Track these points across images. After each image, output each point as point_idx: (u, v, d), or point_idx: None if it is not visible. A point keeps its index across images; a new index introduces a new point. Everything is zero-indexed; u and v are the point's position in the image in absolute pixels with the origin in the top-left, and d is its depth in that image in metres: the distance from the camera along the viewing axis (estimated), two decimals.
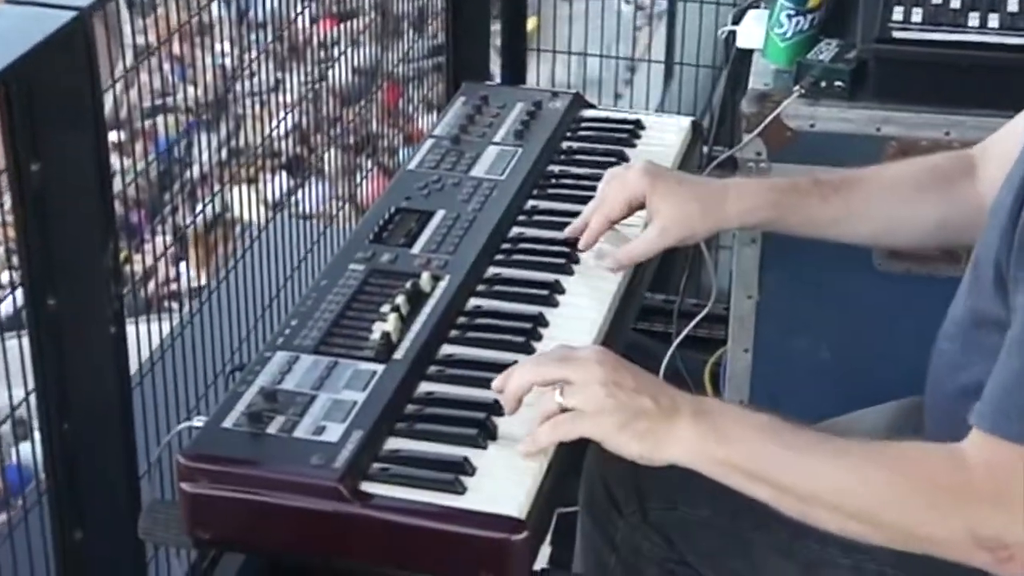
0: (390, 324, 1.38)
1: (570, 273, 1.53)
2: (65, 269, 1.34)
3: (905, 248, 1.73)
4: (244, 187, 1.91)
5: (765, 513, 1.39)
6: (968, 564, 1.19)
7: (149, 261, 1.69)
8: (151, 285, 1.91)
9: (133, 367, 1.55)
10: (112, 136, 1.91)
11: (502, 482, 1.23)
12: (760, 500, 1.23)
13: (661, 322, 2.69)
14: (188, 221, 1.78)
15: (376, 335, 1.37)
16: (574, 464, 1.37)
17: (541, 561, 1.25)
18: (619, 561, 1.50)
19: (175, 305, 1.77)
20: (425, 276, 1.46)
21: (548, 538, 2.11)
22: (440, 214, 1.59)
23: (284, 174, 2.09)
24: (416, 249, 1.53)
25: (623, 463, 1.48)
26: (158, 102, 1.83)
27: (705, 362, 2.53)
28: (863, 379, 1.95)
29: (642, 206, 1.52)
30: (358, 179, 2.26)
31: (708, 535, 1.45)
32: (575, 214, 1.60)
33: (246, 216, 1.90)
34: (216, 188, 1.81)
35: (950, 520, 1.17)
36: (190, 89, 1.71)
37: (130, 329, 1.50)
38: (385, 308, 1.40)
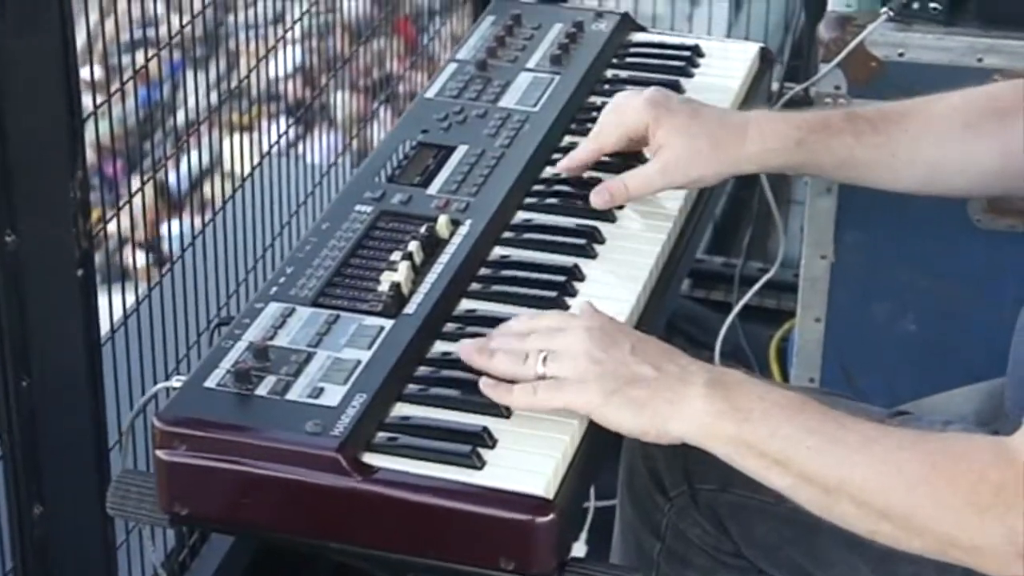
0: (401, 274, 1.39)
1: (612, 220, 1.53)
2: (26, 200, 1.35)
3: (956, 195, 1.70)
4: (239, 135, 1.92)
5: None
6: None
7: (127, 221, 1.70)
8: (134, 247, 1.92)
9: (106, 327, 1.57)
10: (85, 73, 1.93)
11: (526, 456, 1.24)
12: (778, 490, 1.23)
13: (721, 289, 2.71)
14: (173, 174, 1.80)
15: (384, 286, 1.38)
16: (611, 443, 1.38)
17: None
18: (664, 549, 1.51)
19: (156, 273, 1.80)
20: (443, 220, 1.47)
21: (583, 536, 2.15)
22: (462, 150, 1.59)
23: (285, 121, 2.10)
24: (433, 189, 1.54)
25: None
26: (138, 35, 1.84)
27: (771, 336, 2.54)
28: (953, 355, 1.97)
29: (645, 141, 1.52)
30: (372, 128, 2.27)
31: (766, 522, 1.46)
32: (618, 152, 1.61)
33: (239, 170, 1.91)
34: (206, 136, 1.83)
35: (989, 524, 1.16)
36: (175, 20, 1.72)
37: (103, 300, 1.53)
38: (396, 256, 1.42)
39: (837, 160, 1.52)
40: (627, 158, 1.56)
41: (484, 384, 1.27)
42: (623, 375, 1.24)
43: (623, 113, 1.53)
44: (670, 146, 1.50)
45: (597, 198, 1.51)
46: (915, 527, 1.19)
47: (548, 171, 1.60)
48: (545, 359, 1.26)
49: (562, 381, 1.25)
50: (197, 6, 1.77)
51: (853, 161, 1.52)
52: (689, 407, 1.23)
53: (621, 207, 1.55)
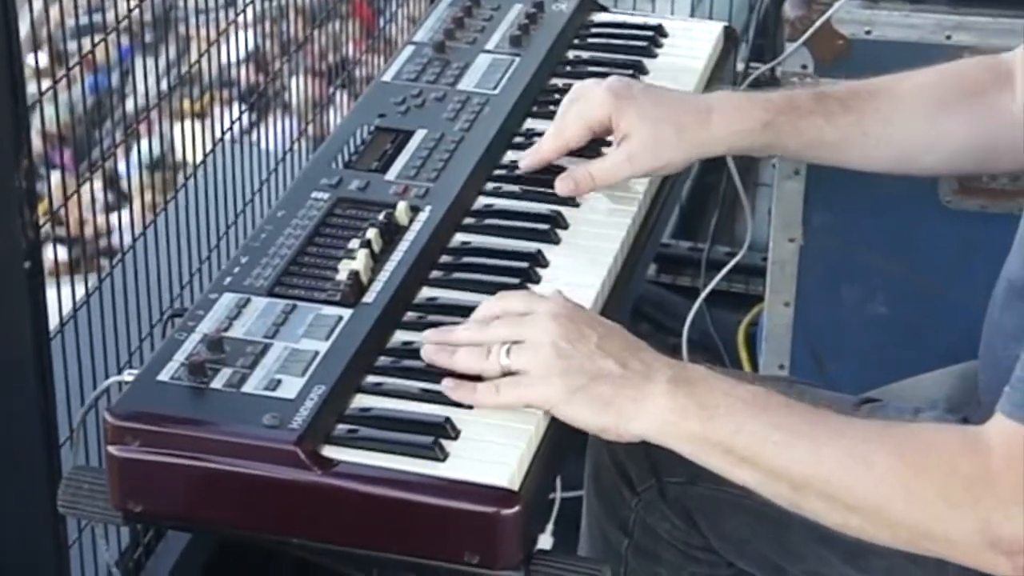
0: (359, 262, 1.38)
1: (575, 205, 1.53)
2: None
3: (927, 174, 1.72)
4: (191, 122, 1.91)
5: None
6: (977, 568, 1.18)
7: (81, 211, 1.69)
8: (83, 239, 1.91)
9: (55, 320, 1.56)
10: (30, 61, 1.91)
11: (490, 447, 1.24)
12: (745, 486, 1.23)
13: (688, 274, 2.72)
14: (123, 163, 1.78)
15: (342, 275, 1.37)
16: (578, 432, 1.38)
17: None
18: (632, 545, 1.52)
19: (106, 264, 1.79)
20: (401, 206, 1.47)
21: (550, 528, 2.16)
22: (420, 134, 1.59)
23: (239, 107, 2.09)
24: (391, 175, 1.53)
25: None
26: (84, 21, 1.83)
27: (739, 321, 2.55)
28: (925, 338, 1.98)
29: (608, 131, 1.52)
30: (328, 113, 2.26)
31: (736, 516, 1.47)
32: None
33: (192, 157, 1.90)
34: (157, 124, 1.82)
35: (960, 515, 1.16)
36: (122, 4, 1.70)
37: (52, 293, 1.51)
38: (354, 244, 1.41)
39: (806, 141, 1.52)
40: (593, 142, 1.56)
41: (446, 386, 1.26)
42: (588, 371, 1.23)
43: (584, 105, 1.53)
44: (634, 135, 1.50)
45: (562, 186, 1.51)
46: (885, 520, 1.20)
47: (509, 156, 1.60)
48: (508, 351, 1.26)
49: (525, 377, 1.25)
50: None
51: (822, 141, 1.52)
52: (652, 405, 1.23)
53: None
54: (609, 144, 1.54)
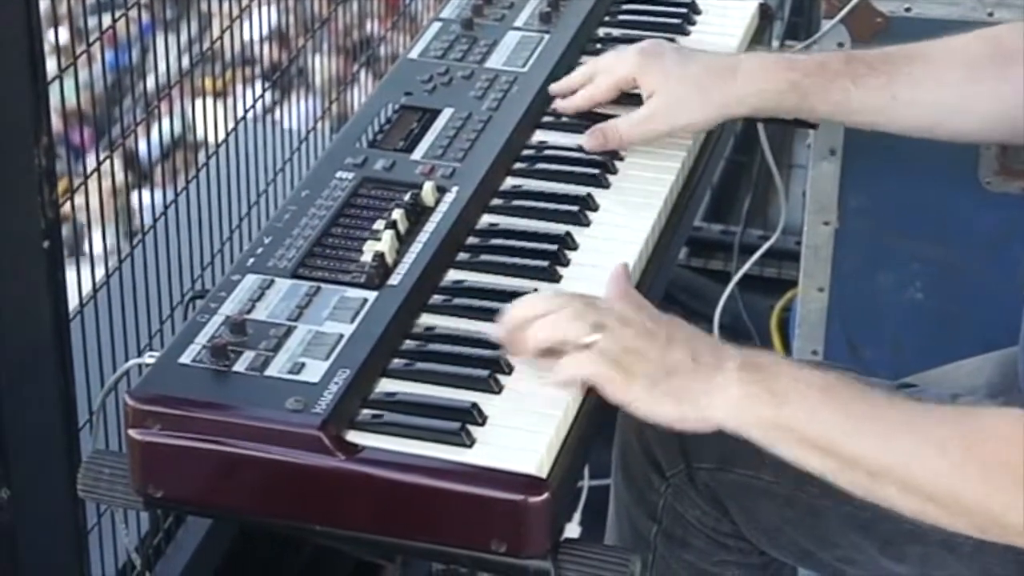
0: (385, 244, 1.38)
1: (605, 186, 1.53)
2: None
3: (963, 141, 1.71)
4: (211, 101, 1.91)
5: None
6: None
7: (101, 190, 1.69)
8: (103, 219, 1.91)
9: (75, 302, 1.57)
10: (50, 37, 1.91)
11: (518, 433, 1.24)
12: (818, 474, 1.24)
13: (719, 258, 2.71)
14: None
15: (367, 256, 1.38)
16: (605, 419, 1.38)
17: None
18: (660, 532, 1.52)
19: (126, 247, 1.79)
20: (428, 187, 1.47)
21: (577, 516, 2.16)
22: (447, 113, 1.59)
23: (261, 85, 2.09)
24: (417, 154, 1.53)
25: None
26: None
27: (772, 306, 2.55)
28: (962, 325, 1.97)
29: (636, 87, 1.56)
30: (352, 92, 2.26)
31: (767, 503, 1.46)
32: (612, 115, 1.60)
33: (212, 137, 1.91)
34: (178, 102, 1.82)
35: None
36: None
37: (71, 274, 1.52)
38: (379, 224, 1.41)
39: (833, 103, 1.53)
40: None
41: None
42: (664, 368, 1.25)
43: (614, 64, 1.58)
44: (658, 92, 1.54)
45: (591, 140, 1.55)
46: (962, 508, 1.20)
47: (538, 135, 1.60)
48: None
49: (609, 371, 1.25)
50: None
51: (850, 104, 1.53)
52: (725, 394, 1.23)
53: (615, 171, 1.55)
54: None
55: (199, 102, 1.89)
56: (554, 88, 1.62)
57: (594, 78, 1.60)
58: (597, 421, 1.31)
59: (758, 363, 1.25)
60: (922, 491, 1.20)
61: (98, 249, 1.71)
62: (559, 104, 1.61)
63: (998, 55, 1.51)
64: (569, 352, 1.26)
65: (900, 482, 1.21)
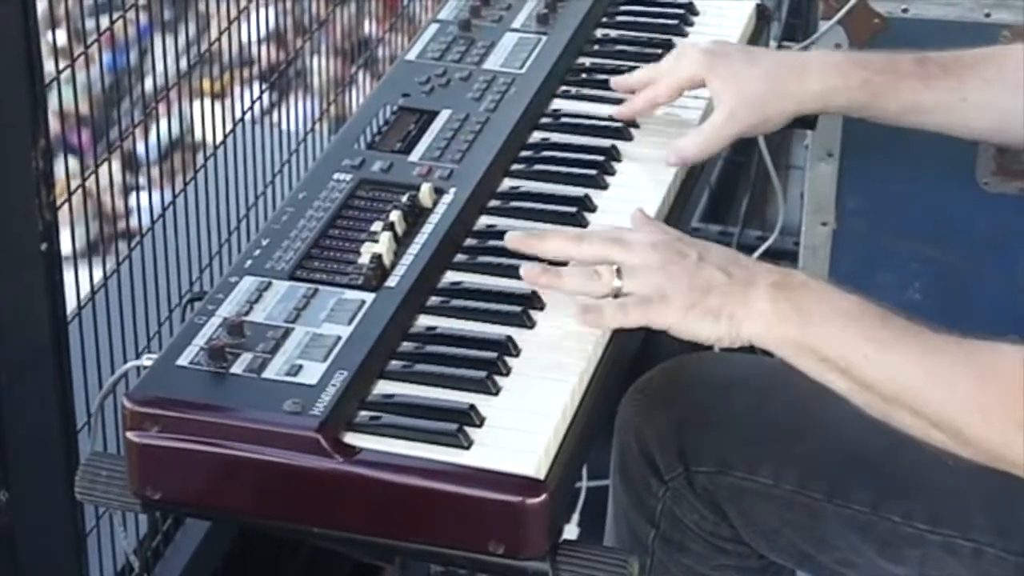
0: (382, 245, 1.38)
1: (603, 187, 1.53)
2: None
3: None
4: (209, 102, 1.91)
5: (840, 480, 1.41)
6: None
7: (98, 191, 1.69)
8: (101, 222, 1.91)
9: (72, 304, 1.56)
10: (49, 38, 1.91)
11: (516, 435, 1.23)
12: (837, 391, 1.27)
13: None
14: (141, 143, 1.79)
15: (365, 258, 1.37)
16: (603, 422, 1.38)
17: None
18: (658, 536, 1.51)
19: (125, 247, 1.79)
20: (425, 188, 1.46)
21: (576, 517, 2.16)
22: (445, 114, 1.59)
23: (259, 86, 2.09)
24: (415, 156, 1.53)
25: (661, 419, 1.50)
26: None
27: None
28: (961, 326, 1.96)
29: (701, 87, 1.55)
30: (350, 93, 2.26)
31: (766, 505, 1.46)
32: (609, 116, 1.60)
33: (211, 138, 1.91)
34: (176, 104, 1.82)
35: None
36: None
37: (69, 276, 1.52)
38: (376, 226, 1.41)
39: (903, 103, 1.53)
40: None
41: (576, 312, 1.30)
42: (698, 286, 1.28)
43: (680, 64, 1.57)
44: (730, 92, 1.53)
45: (674, 158, 1.55)
46: (964, 439, 1.24)
47: (536, 136, 1.60)
48: (619, 272, 1.29)
49: (644, 299, 1.28)
50: None
51: (921, 105, 1.53)
52: (755, 309, 1.27)
53: (613, 173, 1.55)
54: None
55: (198, 104, 1.89)
56: (616, 82, 1.61)
57: (656, 80, 1.58)
58: (595, 422, 1.31)
59: (789, 282, 1.28)
60: (929, 419, 1.24)
61: (96, 251, 1.71)
62: (616, 111, 1.60)
63: None
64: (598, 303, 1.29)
65: (910, 409, 1.24)
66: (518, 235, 1.36)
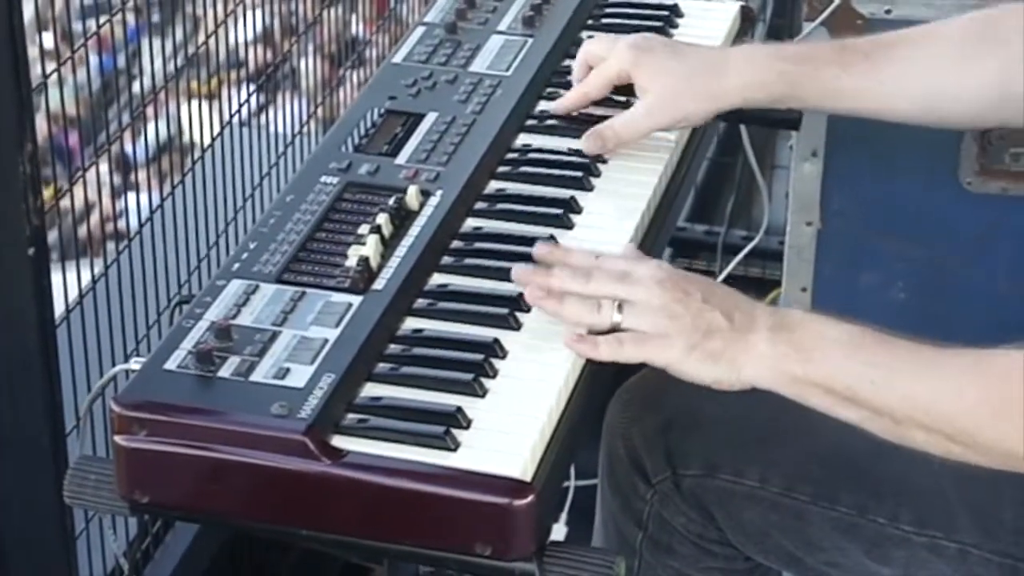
0: (369, 248, 1.37)
1: (588, 189, 1.52)
2: None
3: (955, 126, 1.71)
4: (201, 103, 1.90)
5: (827, 483, 1.40)
6: None
7: (85, 194, 1.69)
8: (88, 223, 1.90)
9: (61, 307, 1.56)
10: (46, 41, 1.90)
11: (502, 437, 1.23)
12: (851, 423, 1.27)
13: (703, 258, 2.71)
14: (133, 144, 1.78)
15: (352, 261, 1.37)
16: (590, 423, 1.37)
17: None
18: (647, 538, 1.51)
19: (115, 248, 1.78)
20: (412, 191, 1.46)
21: (564, 517, 2.15)
22: (431, 117, 1.58)
23: (249, 88, 2.08)
24: (402, 159, 1.52)
25: (648, 423, 1.49)
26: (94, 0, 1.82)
27: None
28: (945, 324, 1.96)
29: (629, 85, 1.55)
30: (339, 94, 2.26)
31: (753, 508, 1.46)
32: (596, 119, 1.60)
33: (201, 139, 1.90)
34: (165, 106, 1.81)
35: None
36: None
37: (57, 279, 1.51)
38: (363, 229, 1.40)
39: (823, 90, 1.52)
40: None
41: (569, 340, 1.29)
42: (700, 328, 1.28)
43: (609, 59, 1.57)
44: (652, 87, 1.53)
45: (589, 144, 1.54)
46: (981, 447, 1.24)
47: (522, 139, 1.59)
48: (620, 307, 1.29)
49: (643, 336, 1.29)
50: None
51: (840, 90, 1.52)
52: (756, 352, 1.27)
53: (598, 174, 1.54)
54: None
55: (188, 105, 1.88)
56: (552, 106, 1.61)
57: (586, 77, 1.58)
58: (582, 424, 1.30)
59: (787, 322, 1.29)
60: (944, 433, 1.25)
61: (84, 254, 1.70)
62: (551, 106, 1.60)
63: (995, 35, 1.48)
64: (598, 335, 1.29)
65: (923, 427, 1.25)
66: (536, 294, 1.33)
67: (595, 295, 1.30)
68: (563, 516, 2.14)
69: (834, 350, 1.26)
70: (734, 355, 1.27)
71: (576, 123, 1.60)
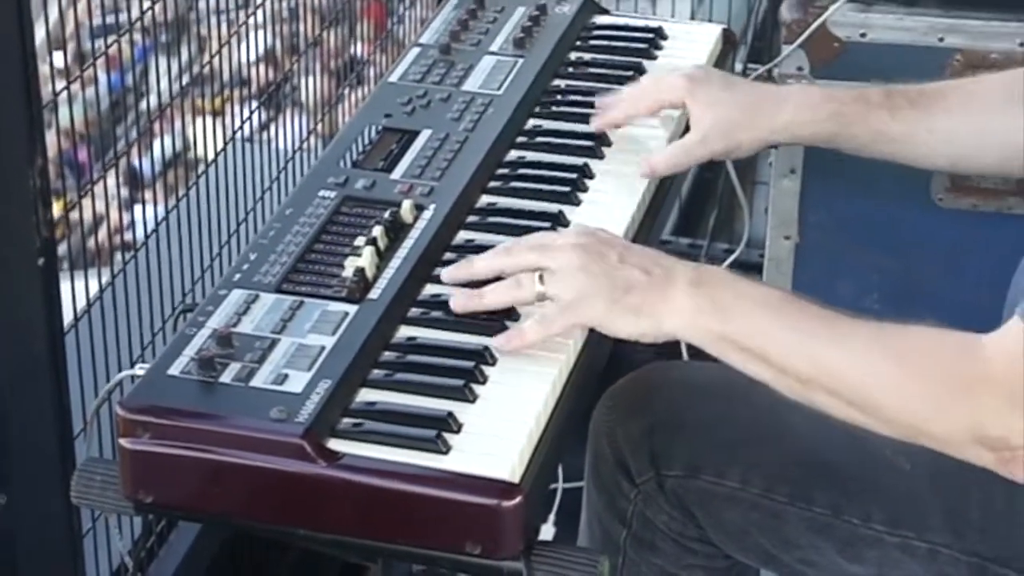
0: (365, 259, 1.38)
1: (576, 204, 1.53)
2: None
3: (989, 174, 1.73)
4: (206, 121, 1.91)
5: (804, 484, 1.41)
6: (964, 460, 1.22)
7: (95, 206, 1.69)
8: (96, 234, 1.90)
9: (69, 315, 1.56)
10: (56, 59, 1.90)
11: (492, 441, 1.23)
12: (760, 380, 1.27)
13: None
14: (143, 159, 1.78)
15: (349, 272, 1.37)
16: (577, 427, 1.38)
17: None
18: (630, 536, 1.51)
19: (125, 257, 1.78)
20: (406, 205, 1.46)
21: (552, 517, 2.15)
22: (425, 134, 1.58)
23: (252, 105, 2.08)
24: (397, 174, 1.52)
25: (633, 425, 1.50)
26: (109, 20, 1.83)
27: None
28: None
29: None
30: (340, 111, 2.26)
31: (733, 508, 1.46)
32: (582, 136, 1.60)
33: (209, 154, 1.90)
34: (172, 122, 1.81)
35: (953, 413, 1.20)
36: (145, 3, 1.70)
37: (66, 287, 1.51)
38: (359, 241, 1.41)
39: (871, 133, 1.53)
40: None
41: (497, 345, 1.29)
42: (618, 285, 1.28)
43: (661, 87, 1.58)
44: (707, 117, 1.54)
45: (645, 168, 1.55)
46: (883, 417, 1.24)
47: (513, 154, 1.60)
48: (541, 278, 1.29)
49: (566, 302, 1.29)
50: None
51: (888, 135, 1.53)
52: (676, 305, 1.27)
53: (586, 189, 1.55)
54: None
55: (194, 121, 1.88)
56: (600, 101, 1.61)
57: (637, 99, 1.59)
58: (568, 427, 1.30)
59: (706, 278, 1.29)
60: (846, 399, 1.25)
61: (93, 264, 1.70)
62: (594, 122, 1.60)
63: (1015, 93, 1.50)
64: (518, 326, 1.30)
65: (827, 390, 1.25)
66: (459, 302, 1.33)
67: (516, 268, 1.31)
68: (551, 517, 2.14)
69: (751, 308, 1.27)
70: (653, 308, 1.27)
71: (567, 138, 1.60)
